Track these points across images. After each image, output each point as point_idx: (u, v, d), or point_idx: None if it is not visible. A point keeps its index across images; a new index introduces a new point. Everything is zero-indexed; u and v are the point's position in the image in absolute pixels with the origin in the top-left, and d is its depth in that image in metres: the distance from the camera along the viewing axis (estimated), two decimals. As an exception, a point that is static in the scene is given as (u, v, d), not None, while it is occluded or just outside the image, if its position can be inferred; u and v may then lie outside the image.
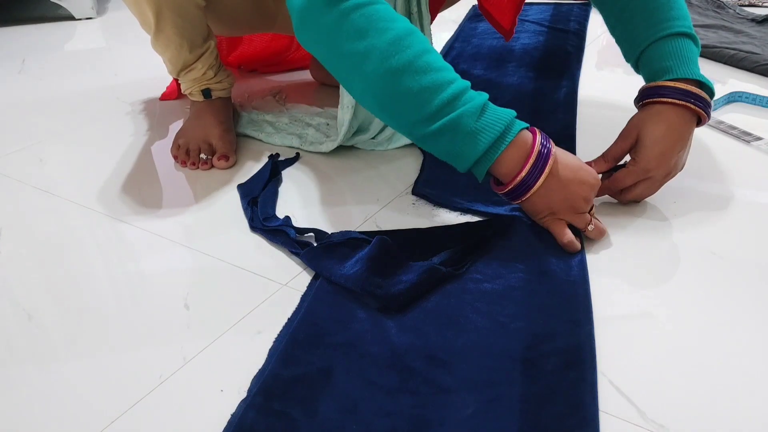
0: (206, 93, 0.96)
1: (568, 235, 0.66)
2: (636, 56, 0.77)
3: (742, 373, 0.52)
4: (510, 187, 0.65)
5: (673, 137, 0.71)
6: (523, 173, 0.64)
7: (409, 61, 0.62)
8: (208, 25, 0.95)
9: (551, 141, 0.66)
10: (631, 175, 0.72)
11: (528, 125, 0.66)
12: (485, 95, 0.65)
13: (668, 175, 0.72)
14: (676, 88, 0.71)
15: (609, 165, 0.74)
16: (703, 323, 0.57)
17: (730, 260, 0.66)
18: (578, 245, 0.66)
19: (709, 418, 0.48)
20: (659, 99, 0.72)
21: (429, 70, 0.63)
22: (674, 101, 0.71)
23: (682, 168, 0.74)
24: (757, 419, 0.48)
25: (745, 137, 0.93)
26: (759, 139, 0.92)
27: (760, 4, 1.64)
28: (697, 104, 0.70)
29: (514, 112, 0.65)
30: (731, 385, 0.51)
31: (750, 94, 1.05)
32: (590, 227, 0.67)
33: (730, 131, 0.95)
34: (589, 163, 0.74)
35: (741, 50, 1.24)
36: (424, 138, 0.64)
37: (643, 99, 0.74)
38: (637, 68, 0.78)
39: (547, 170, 0.64)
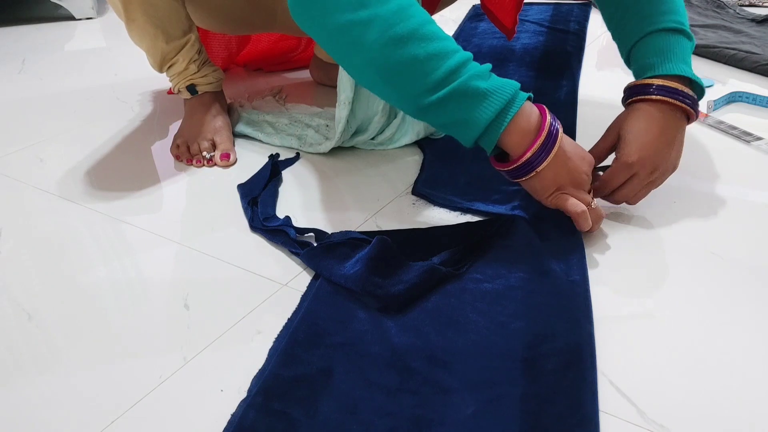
0: (191, 89, 0.96)
1: (581, 206, 0.65)
2: (627, 52, 0.77)
3: (742, 372, 0.52)
4: (521, 161, 0.64)
5: (653, 132, 0.69)
6: (537, 145, 0.63)
7: (414, 29, 0.61)
8: (191, 18, 0.94)
9: (556, 117, 0.66)
10: (615, 172, 0.70)
11: (531, 95, 0.65)
12: (489, 65, 0.64)
13: (654, 171, 0.70)
14: (659, 85, 0.70)
15: (595, 163, 0.73)
16: (703, 323, 0.57)
17: (729, 260, 0.66)
18: (590, 219, 0.66)
19: (709, 418, 0.48)
20: (641, 97, 0.71)
21: (434, 38, 0.61)
22: (657, 98, 0.70)
23: (673, 169, 0.72)
24: (757, 419, 0.48)
25: (745, 137, 0.93)
26: (759, 139, 0.92)
27: (760, 4, 1.64)
28: (683, 100, 0.69)
29: (518, 83, 0.64)
30: (731, 385, 0.51)
31: (750, 94, 1.05)
32: (593, 204, 0.67)
33: (730, 131, 0.95)
34: None
35: (741, 50, 1.24)
36: (431, 107, 0.62)
37: (628, 98, 0.74)
38: (629, 65, 0.78)
39: (556, 147, 0.64)
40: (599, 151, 0.74)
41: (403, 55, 0.61)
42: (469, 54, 0.63)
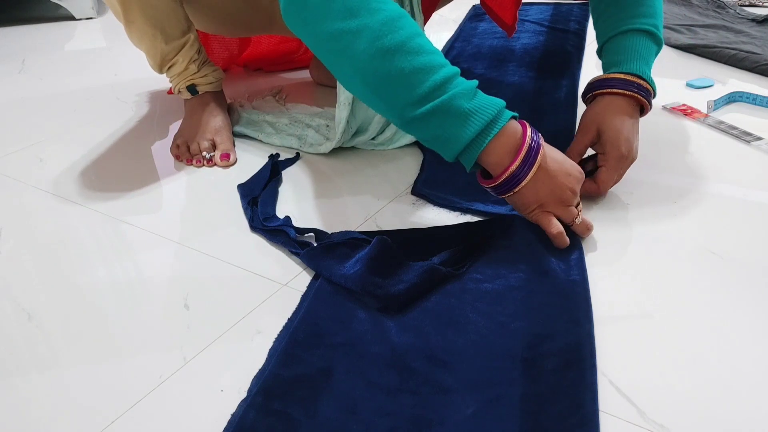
0: (191, 89, 0.96)
1: (558, 227, 0.66)
2: (601, 45, 0.82)
3: (742, 372, 0.52)
4: (500, 180, 0.64)
5: (629, 123, 0.75)
6: (514, 166, 0.63)
7: (402, 42, 0.61)
8: (190, 19, 0.95)
9: (539, 134, 0.66)
10: (611, 169, 0.74)
11: (516, 114, 0.65)
12: (475, 81, 0.64)
13: (633, 161, 0.75)
14: (620, 79, 0.76)
15: (576, 160, 0.76)
16: (703, 323, 0.57)
17: (729, 260, 0.66)
18: (567, 238, 0.66)
19: (709, 418, 0.48)
20: (607, 90, 0.76)
21: (421, 52, 0.62)
22: (621, 92, 0.75)
23: (636, 155, 0.76)
24: (757, 419, 0.48)
25: (745, 137, 0.93)
26: (759, 139, 0.92)
27: (761, 4, 1.64)
28: (640, 93, 0.75)
29: (503, 101, 0.64)
30: (731, 384, 0.51)
31: (750, 94, 1.05)
32: (578, 220, 0.67)
33: (731, 131, 0.95)
34: None
35: (741, 50, 1.24)
36: (414, 121, 0.63)
37: (591, 91, 0.78)
38: (600, 56, 0.84)
39: (536, 165, 0.64)
40: (580, 148, 0.77)
41: (390, 67, 0.61)
42: (456, 69, 0.63)
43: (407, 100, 0.62)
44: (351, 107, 0.86)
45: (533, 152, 0.64)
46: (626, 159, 0.74)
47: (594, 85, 0.78)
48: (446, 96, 0.61)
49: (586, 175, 0.75)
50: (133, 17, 0.87)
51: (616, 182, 0.76)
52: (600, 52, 0.83)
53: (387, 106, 0.64)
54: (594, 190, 0.75)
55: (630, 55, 0.77)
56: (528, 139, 0.63)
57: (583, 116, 0.78)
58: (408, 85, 0.62)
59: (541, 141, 0.65)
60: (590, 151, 0.78)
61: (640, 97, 0.75)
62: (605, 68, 0.80)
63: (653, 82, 0.77)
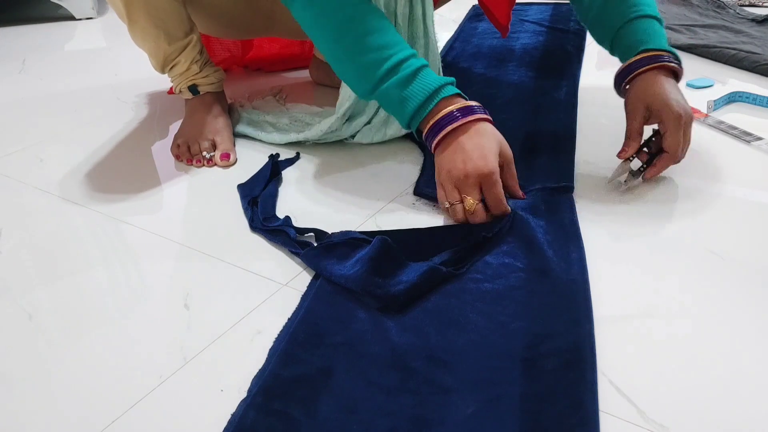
0: (193, 89, 0.96)
1: (444, 203, 0.72)
2: (611, 38, 0.85)
3: (742, 372, 0.52)
4: (426, 140, 0.74)
5: (669, 85, 0.77)
6: (425, 131, 0.73)
7: (352, 45, 0.73)
8: (192, 19, 0.95)
9: (478, 114, 0.71)
10: (674, 132, 0.75)
11: (458, 91, 0.72)
12: (422, 62, 0.73)
13: (692, 117, 0.77)
14: (646, 57, 0.79)
15: (639, 140, 0.78)
16: (703, 323, 0.57)
17: (729, 260, 0.66)
18: (458, 215, 0.70)
19: (709, 418, 0.48)
20: (641, 70, 0.79)
21: (367, 51, 0.73)
22: (651, 66, 0.78)
23: (691, 113, 0.78)
24: (757, 419, 0.48)
25: (746, 137, 0.92)
26: (759, 139, 0.92)
27: (761, 4, 1.64)
28: (672, 60, 0.79)
29: (447, 79, 0.72)
30: (731, 384, 0.51)
31: (750, 94, 1.05)
32: (445, 204, 0.71)
33: (731, 131, 0.95)
34: (622, 151, 0.78)
35: (741, 50, 1.24)
36: (377, 99, 0.76)
37: (624, 79, 0.81)
38: (612, 49, 0.86)
39: (439, 138, 0.71)
40: (639, 126, 0.78)
41: (346, 66, 0.76)
42: (400, 58, 0.72)
43: (362, 90, 0.76)
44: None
45: (442, 125, 0.70)
46: (683, 118, 0.75)
47: (623, 73, 0.81)
48: (384, 87, 0.73)
49: (653, 157, 0.77)
50: (137, 17, 0.87)
51: (685, 145, 0.77)
52: (612, 48, 0.86)
53: (357, 91, 0.78)
54: (668, 160, 0.77)
55: (646, 36, 0.81)
56: (441, 114, 0.70)
57: (625, 103, 0.80)
58: (360, 79, 0.75)
59: (468, 119, 0.70)
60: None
61: (672, 65, 0.78)
62: (625, 56, 0.82)
63: (676, 53, 0.79)
